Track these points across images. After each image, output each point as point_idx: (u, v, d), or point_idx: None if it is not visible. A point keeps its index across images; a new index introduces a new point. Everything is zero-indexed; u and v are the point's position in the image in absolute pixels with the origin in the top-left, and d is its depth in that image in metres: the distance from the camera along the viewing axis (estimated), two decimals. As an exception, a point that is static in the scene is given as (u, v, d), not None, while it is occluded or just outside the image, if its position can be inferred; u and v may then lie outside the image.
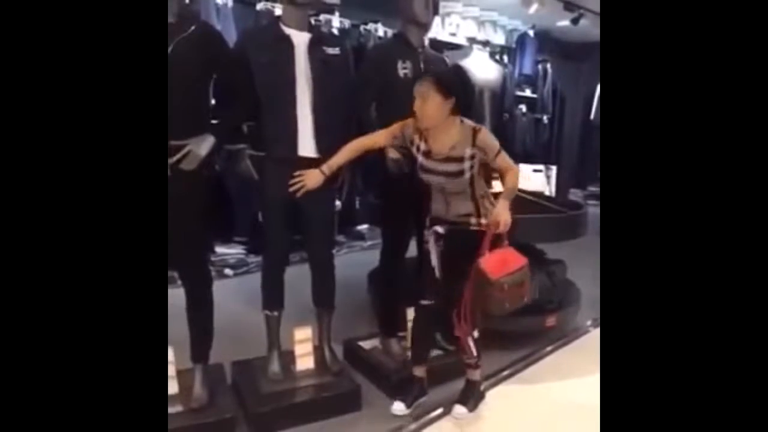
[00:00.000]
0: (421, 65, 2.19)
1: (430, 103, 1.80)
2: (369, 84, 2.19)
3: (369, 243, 4.40)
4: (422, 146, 1.88)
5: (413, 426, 2.00)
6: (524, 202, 2.77)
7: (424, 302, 2.01)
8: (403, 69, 2.16)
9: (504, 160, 1.89)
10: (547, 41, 6.28)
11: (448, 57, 2.68)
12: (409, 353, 2.31)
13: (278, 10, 3.80)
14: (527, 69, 5.86)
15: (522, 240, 2.80)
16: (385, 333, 2.36)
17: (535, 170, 3.00)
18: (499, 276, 1.80)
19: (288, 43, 1.91)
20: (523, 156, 5.09)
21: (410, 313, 2.37)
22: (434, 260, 1.94)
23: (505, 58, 5.85)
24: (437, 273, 1.96)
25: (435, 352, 2.37)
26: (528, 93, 6.12)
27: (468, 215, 1.90)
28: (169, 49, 1.71)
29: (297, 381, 2.07)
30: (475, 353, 2.03)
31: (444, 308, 1.98)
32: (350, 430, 1.96)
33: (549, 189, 2.99)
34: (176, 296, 1.96)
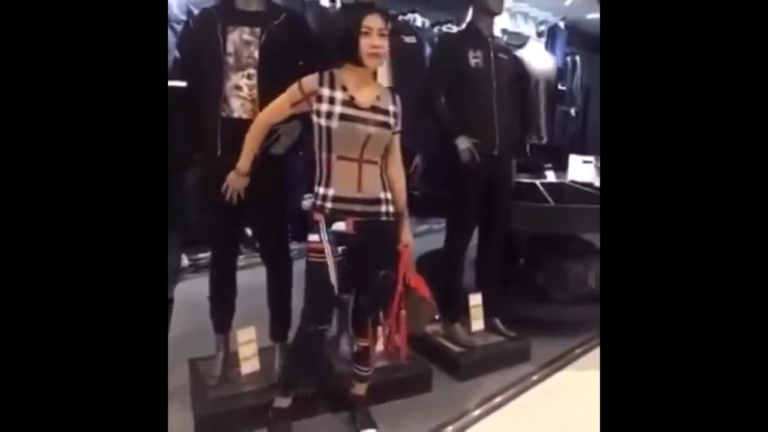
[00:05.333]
0: (491, 55, 2.23)
1: (385, 41, 1.56)
2: (440, 73, 2.22)
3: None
4: (340, 96, 1.57)
5: (478, 412, 2.04)
6: (577, 193, 2.81)
7: (315, 327, 1.63)
8: (475, 59, 2.19)
9: (398, 141, 1.72)
10: (576, 33, 6.27)
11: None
12: (472, 338, 2.38)
13: (338, 2, 3.84)
14: (557, 61, 5.85)
15: (572, 231, 2.85)
16: (447, 318, 2.41)
17: (585, 161, 3.04)
18: (430, 295, 1.75)
19: (369, 32, 1.94)
20: (553, 149, 5.10)
21: (472, 298, 2.44)
22: (332, 275, 1.57)
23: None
24: (336, 290, 1.59)
25: (495, 339, 2.44)
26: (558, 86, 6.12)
27: (378, 201, 1.63)
28: (263, 37, 1.75)
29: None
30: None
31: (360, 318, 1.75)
32: (423, 409, 2.01)
33: (598, 180, 3.02)
34: (259, 275, 2.03)
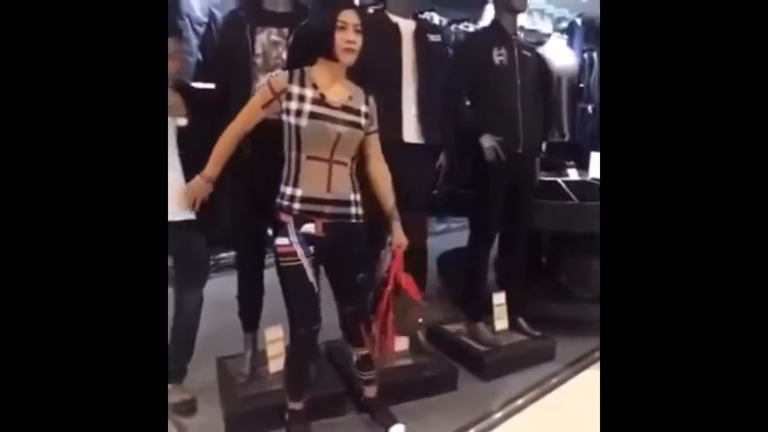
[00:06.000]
0: (515, 52, 2.22)
1: (359, 37, 1.55)
2: (464, 71, 2.22)
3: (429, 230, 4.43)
4: (310, 93, 1.56)
5: (503, 411, 2.03)
6: (600, 190, 2.78)
7: (307, 329, 1.60)
8: (499, 56, 2.19)
9: (377, 142, 1.70)
10: (593, 30, 6.21)
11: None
12: (496, 337, 2.37)
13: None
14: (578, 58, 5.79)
15: (595, 229, 2.82)
16: (471, 317, 2.41)
17: (607, 159, 3.00)
18: (420, 297, 1.75)
19: (396, 31, 1.95)
20: (575, 146, 5.04)
21: (496, 297, 2.43)
22: (310, 276, 1.57)
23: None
24: (316, 289, 1.60)
25: (520, 338, 2.43)
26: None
27: (347, 202, 1.62)
28: (291, 38, 1.77)
29: (393, 361, 2.13)
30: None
31: (351, 321, 1.73)
32: (449, 408, 2.01)
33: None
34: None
